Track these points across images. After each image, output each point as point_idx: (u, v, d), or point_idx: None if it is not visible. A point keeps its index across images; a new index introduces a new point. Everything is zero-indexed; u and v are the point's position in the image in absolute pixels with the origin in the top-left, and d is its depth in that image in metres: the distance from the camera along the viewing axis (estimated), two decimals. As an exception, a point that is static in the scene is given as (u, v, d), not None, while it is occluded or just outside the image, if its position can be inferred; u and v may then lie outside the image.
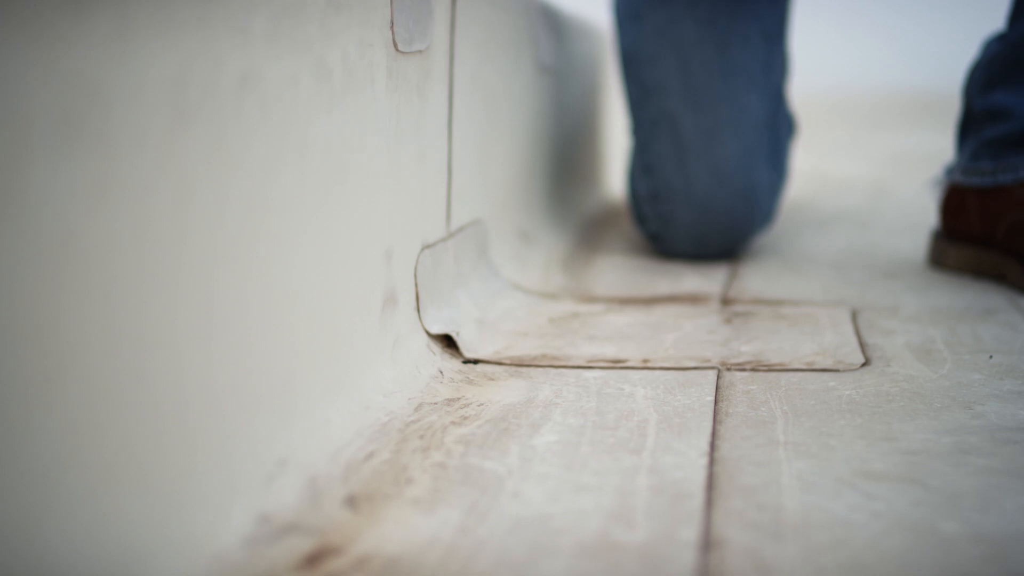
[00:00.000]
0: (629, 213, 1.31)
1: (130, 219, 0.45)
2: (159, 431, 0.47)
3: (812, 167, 2.03)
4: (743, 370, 0.77)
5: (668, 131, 1.21)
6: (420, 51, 0.77)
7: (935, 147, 2.05)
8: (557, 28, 1.29)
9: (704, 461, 0.59)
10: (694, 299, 1.02)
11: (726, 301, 1.00)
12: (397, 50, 0.73)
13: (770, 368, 0.77)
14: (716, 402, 0.70)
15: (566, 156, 1.37)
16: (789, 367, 0.78)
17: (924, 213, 1.47)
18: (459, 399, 0.71)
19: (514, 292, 0.97)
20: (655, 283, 1.10)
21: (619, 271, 1.17)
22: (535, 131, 1.19)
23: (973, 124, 1.14)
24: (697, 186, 1.19)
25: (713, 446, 0.62)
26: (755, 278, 1.11)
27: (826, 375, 0.76)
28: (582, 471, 0.58)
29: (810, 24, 2.35)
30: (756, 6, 1.21)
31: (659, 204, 1.22)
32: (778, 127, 1.27)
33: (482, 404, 0.70)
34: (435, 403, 0.69)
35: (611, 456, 0.60)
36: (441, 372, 0.75)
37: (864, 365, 0.78)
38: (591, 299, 1.02)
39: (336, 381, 0.64)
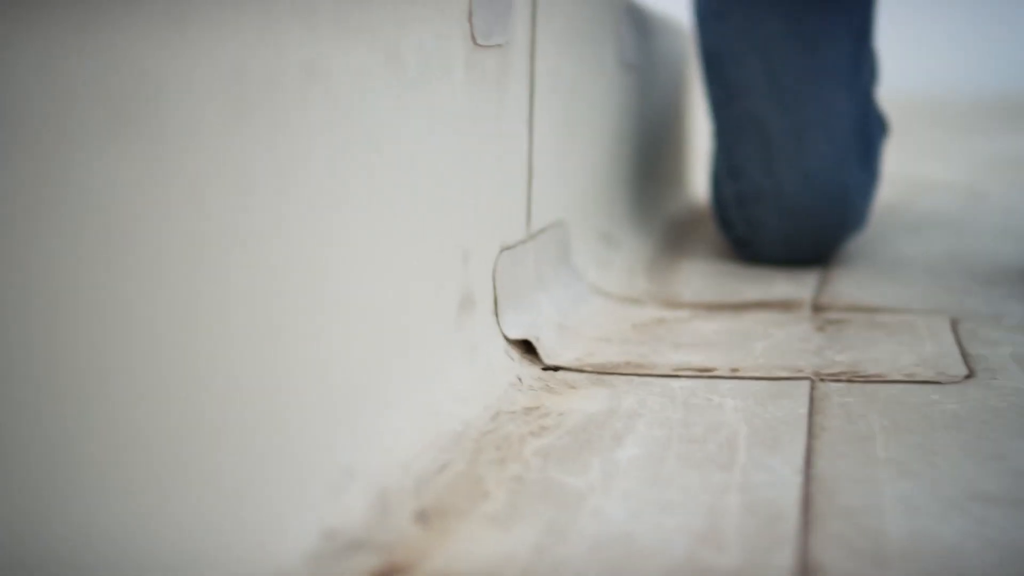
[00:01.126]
0: (713, 217, 1.27)
1: (185, 215, 0.42)
2: (215, 438, 0.44)
3: (901, 169, 1.97)
4: (838, 381, 0.73)
5: (754, 133, 1.16)
6: (499, 45, 0.74)
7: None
8: (640, 24, 1.25)
9: (799, 479, 0.55)
10: (784, 306, 0.97)
11: (818, 308, 0.96)
12: (475, 43, 0.70)
13: (867, 379, 0.73)
14: (810, 415, 0.66)
15: (649, 156, 1.33)
16: (887, 378, 0.73)
17: (1022, 217, 1.41)
18: (538, 408, 0.67)
19: (596, 296, 0.94)
20: (743, 289, 1.06)
21: (705, 276, 1.12)
22: (617, 130, 1.16)
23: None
24: (786, 189, 1.15)
25: (808, 463, 0.58)
26: (848, 284, 1.07)
27: (927, 387, 0.71)
28: (667, 488, 0.55)
29: (896, 25, 2.29)
30: (844, 2, 1.16)
31: (746, 208, 1.18)
32: (870, 127, 1.22)
33: (562, 413, 0.66)
34: (513, 412, 0.66)
35: (698, 472, 0.57)
36: (519, 379, 0.72)
37: (968, 377, 0.73)
38: (676, 305, 0.98)
39: (408, 387, 0.61)
